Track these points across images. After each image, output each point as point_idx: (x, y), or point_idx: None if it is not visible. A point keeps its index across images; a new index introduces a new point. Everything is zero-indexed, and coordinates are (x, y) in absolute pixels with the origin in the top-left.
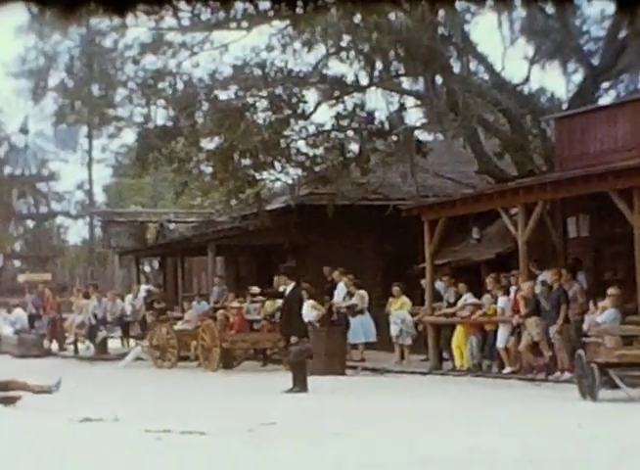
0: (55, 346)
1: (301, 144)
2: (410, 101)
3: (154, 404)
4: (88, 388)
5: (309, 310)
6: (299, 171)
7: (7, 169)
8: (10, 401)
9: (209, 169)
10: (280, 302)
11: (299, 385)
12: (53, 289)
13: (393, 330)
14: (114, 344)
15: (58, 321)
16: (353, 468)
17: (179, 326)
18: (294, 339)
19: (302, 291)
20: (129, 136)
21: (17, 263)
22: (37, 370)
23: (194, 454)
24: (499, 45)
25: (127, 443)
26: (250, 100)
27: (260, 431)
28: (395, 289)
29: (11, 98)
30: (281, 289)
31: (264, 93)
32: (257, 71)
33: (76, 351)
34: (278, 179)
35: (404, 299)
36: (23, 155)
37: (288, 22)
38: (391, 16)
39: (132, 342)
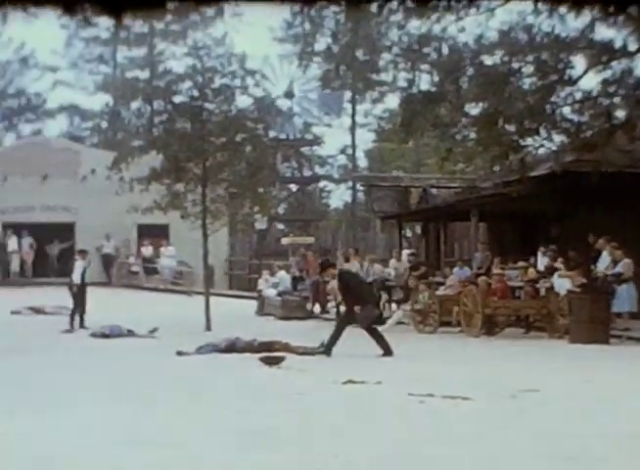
0: (317, 308)
1: (567, 110)
2: None
3: (415, 369)
4: (350, 350)
5: (561, 281)
6: (564, 138)
7: (272, 133)
8: (274, 362)
9: (473, 135)
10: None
11: (385, 350)
12: (316, 252)
13: None
14: None
15: (320, 284)
16: (623, 439)
17: (441, 291)
18: (357, 308)
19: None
20: (392, 101)
21: (280, 226)
22: (300, 332)
23: (457, 419)
24: None
25: (390, 406)
26: (515, 65)
27: (523, 397)
28: None
29: (277, 63)
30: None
31: (530, 58)
32: (524, 36)
33: (338, 313)
34: (542, 146)
35: None
36: (288, 119)
37: None
38: None
39: (394, 306)
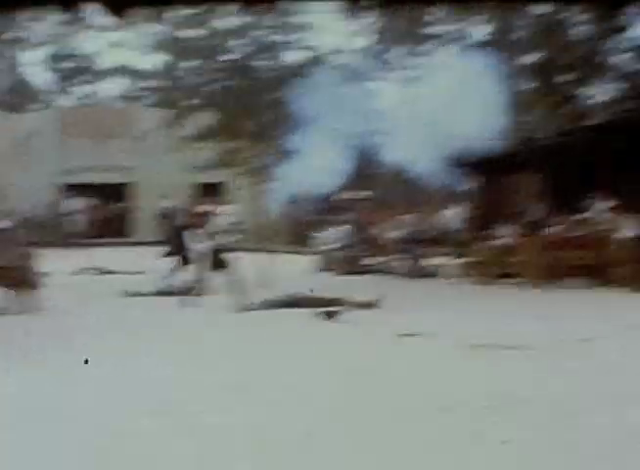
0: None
1: (622, 58)
2: None
3: (475, 320)
4: (407, 303)
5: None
6: (622, 86)
7: None
8: (332, 315)
9: (530, 85)
10: None
11: None
12: (372, 206)
13: None
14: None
15: (377, 237)
16: None
17: (500, 242)
18: None
19: None
20: None
21: None
22: (358, 286)
23: (521, 368)
24: None
25: (446, 356)
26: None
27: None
28: None
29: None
30: None
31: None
32: None
33: (397, 267)
34: (595, 95)
35: None
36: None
37: None
38: None
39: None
